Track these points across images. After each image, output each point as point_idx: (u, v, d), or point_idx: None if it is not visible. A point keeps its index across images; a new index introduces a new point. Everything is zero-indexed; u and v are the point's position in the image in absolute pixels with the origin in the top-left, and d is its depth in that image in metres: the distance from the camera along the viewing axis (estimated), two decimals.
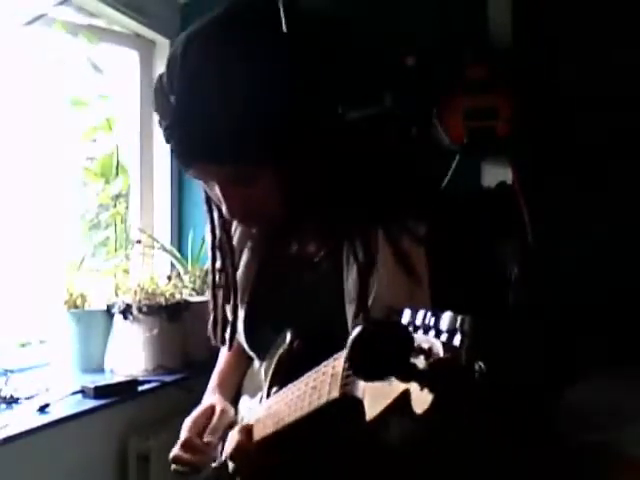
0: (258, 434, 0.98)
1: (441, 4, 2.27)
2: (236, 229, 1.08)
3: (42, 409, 1.63)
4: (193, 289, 2.26)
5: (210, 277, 1.08)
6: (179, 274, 2.30)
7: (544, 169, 2.19)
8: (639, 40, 2.14)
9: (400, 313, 0.87)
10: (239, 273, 1.08)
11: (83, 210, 2.42)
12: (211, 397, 1.18)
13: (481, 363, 0.57)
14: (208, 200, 1.01)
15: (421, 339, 0.60)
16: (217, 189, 0.91)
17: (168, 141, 0.89)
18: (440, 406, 0.57)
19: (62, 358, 2.01)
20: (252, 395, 1.14)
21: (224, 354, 1.28)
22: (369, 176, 0.96)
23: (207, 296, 1.11)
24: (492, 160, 2.23)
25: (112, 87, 2.43)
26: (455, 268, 0.91)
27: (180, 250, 2.42)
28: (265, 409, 0.99)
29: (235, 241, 1.08)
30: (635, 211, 2.12)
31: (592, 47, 2.17)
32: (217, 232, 1.04)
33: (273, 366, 1.04)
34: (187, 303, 2.12)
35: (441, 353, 0.58)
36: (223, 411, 1.12)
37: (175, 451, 1.10)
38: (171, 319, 2.04)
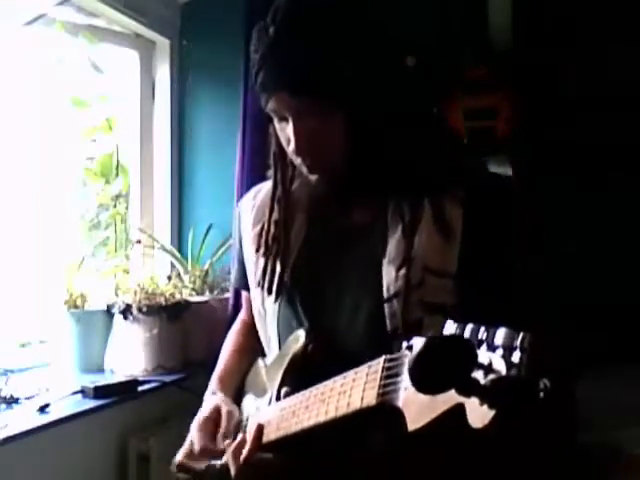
0: (270, 435, 0.98)
1: (441, 4, 2.27)
2: (295, 189, 1.12)
3: (42, 409, 1.63)
4: (193, 289, 2.26)
5: (266, 228, 1.12)
6: (179, 274, 2.30)
7: (544, 169, 2.19)
8: (639, 40, 2.14)
9: (435, 273, 0.95)
10: (292, 234, 1.11)
11: (83, 210, 2.42)
12: (214, 398, 1.17)
13: (546, 381, 0.58)
14: (276, 154, 1.09)
15: (480, 354, 0.60)
16: (289, 126, 0.98)
17: (258, 71, 0.97)
18: (501, 422, 0.58)
19: (62, 358, 2.01)
20: (258, 394, 1.13)
21: (225, 352, 1.28)
22: (423, 143, 1.07)
23: (261, 249, 1.13)
24: (492, 160, 2.23)
25: (112, 87, 2.43)
26: (487, 235, 0.97)
27: (180, 250, 2.42)
28: (278, 410, 0.99)
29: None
30: (635, 211, 2.12)
31: (592, 47, 2.17)
32: (279, 186, 1.11)
33: (284, 366, 1.03)
34: (187, 303, 2.12)
35: (503, 370, 0.58)
36: (230, 413, 1.12)
37: (181, 459, 1.10)
38: (171, 319, 2.04)
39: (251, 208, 1.19)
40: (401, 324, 0.96)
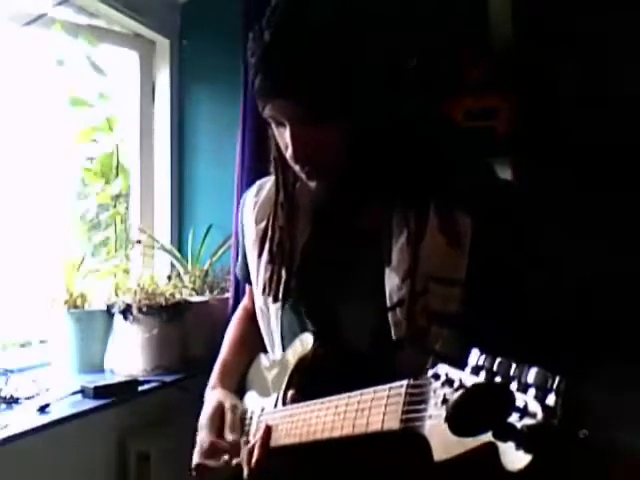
0: (278, 441, 0.98)
1: (441, 4, 2.27)
2: (296, 191, 1.11)
3: (42, 409, 1.63)
4: (193, 289, 2.26)
5: (270, 234, 1.11)
6: (179, 274, 2.30)
7: (544, 169, 2.19)
8: (639, 40, 2.14)
9: (441, 281, 0.93)
10: (297, 238, 1.10)
11: (83, 210, 2.42)
12: (215, 393, 1.18)
13: (585, 431, 0.57)
14: (276, 159, 1.07)
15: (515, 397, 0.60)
16: (287, 132, 0.96)
17: (255, 76, 0.95)
18: (536, 467, 0.57)
19: (62, 358, 2.01)
20: (261, 393, 1.13)
21: (227, 343, 1.28)
22: (428, 150, 1.04)
23: (265, 255, 1.12)
24: (492, 160, 2.23)
25: (112, 87, 2.43)
26: (497, 243, 0.96)
27: (180, 250, 2.42)
28: (287, 416, 0.98)
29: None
30: (635, 211, 2.12)
31: (592, 47, 2.16)
32: (281, 190, 1.10)
33: (291, 367, 1.03)
34: (187, 303, 2.12)
35: (539, 413, 0.57)
36: (234, 406, 1.13)
37: (198, 459, 1.10)
38: (171, 319, 2.04)
39: (253, 205, 1.18)
40: (405, 333, 0.95)
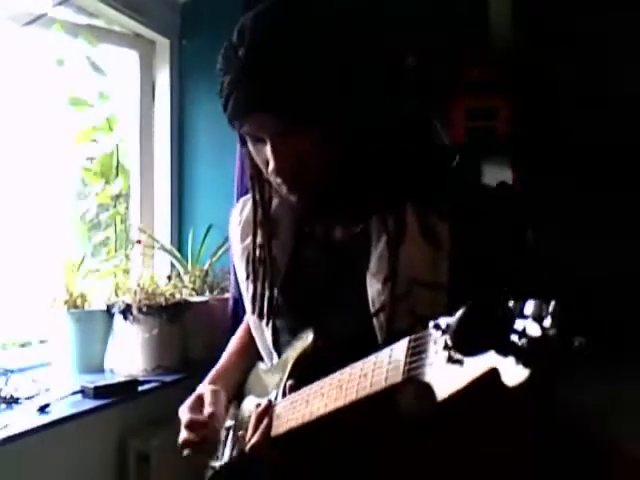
0: (279, 428, 0.98)
1: (441, 4, 2.27)
2: (276, 207, 1.11)
3: (42, 409, 1.63)
4: (193, 289, 2.26)
5: (251, 252, 1.11)
6: (179, 274, 2.30)
7: (544, 169, 2.19)
8: (639, 39, 2.14)
9: (426, 286, 0.94)
10: (279, 253, 1.10)
11: (83, 210, 2.42)
12: (201, 386, 1.20)
13: (581, 339, 0.60)
14: (252, 177, 1.08)
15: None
16: (267, 147, 0.95)
17: (229, 95, 0.94)
18: (535, 380, 0.60)
19: (62, 358, 2.01)
20: (260, 395, 1.13)
21: (225, 354, 1.29)
22: (407, 156, 1.03)
23: (248, 272, 1.13)
24: (492, 160, 2.23)
25: (112, 87, 2.43)
26: (475, 246, 0.96)
27: (180, 250, 2.42)
28: (288, 403, 0.98)
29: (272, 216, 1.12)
30: (635, 211, 2.12)
31: (592, 47, 2.16)
32: (259, 209, 1.10)
33: (293, 360, 1.04)
34: (187, 303, 2.12)
35: (538, 333, 0.61)
36: (215, 391, 1.14)
37: (181, 436, 1.12)
38: (171, 319, 2.04)
39: (238, 223, 1.19)
40: (385, 335, 0.95)
